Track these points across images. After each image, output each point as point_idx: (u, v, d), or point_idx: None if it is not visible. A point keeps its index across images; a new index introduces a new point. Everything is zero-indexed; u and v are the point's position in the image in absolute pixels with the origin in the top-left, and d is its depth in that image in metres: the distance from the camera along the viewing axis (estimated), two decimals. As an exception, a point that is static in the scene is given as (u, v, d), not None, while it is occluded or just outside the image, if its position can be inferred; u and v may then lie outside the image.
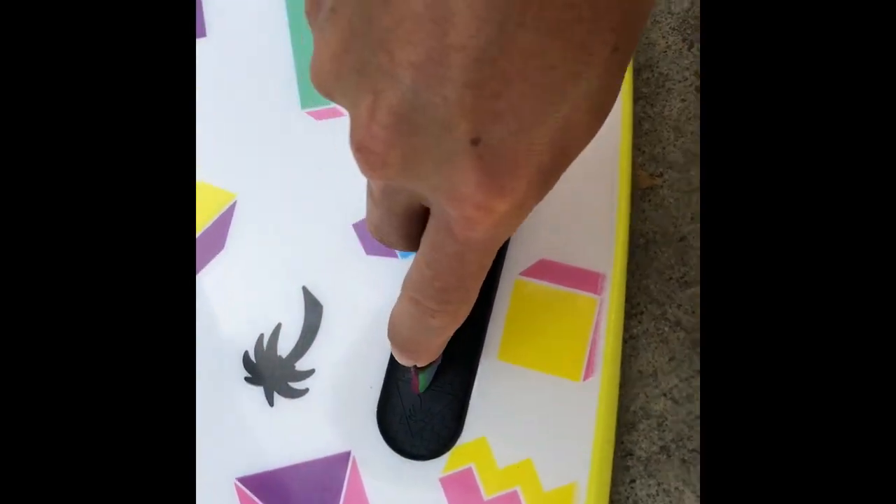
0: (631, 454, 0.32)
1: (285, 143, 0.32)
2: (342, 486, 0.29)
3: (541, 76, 0.16)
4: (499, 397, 0.30)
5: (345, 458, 0.30)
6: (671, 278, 0.33)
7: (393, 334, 0.24)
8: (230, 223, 0.31)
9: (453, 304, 0.22)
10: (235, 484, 0.29)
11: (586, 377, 0.30)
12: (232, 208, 0.32)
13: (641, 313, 0.33)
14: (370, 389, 0.30)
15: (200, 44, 0.33)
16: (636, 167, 0.34)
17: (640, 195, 0.34)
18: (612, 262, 0.31)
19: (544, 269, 0.31)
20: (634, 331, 0.33)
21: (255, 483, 0.29)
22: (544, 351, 0.30)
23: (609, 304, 0.31)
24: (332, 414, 0.30)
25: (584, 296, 0.31)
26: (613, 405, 0.31)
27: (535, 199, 0.19)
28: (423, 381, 0.29)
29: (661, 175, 0.34)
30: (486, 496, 0.29)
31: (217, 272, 0.31)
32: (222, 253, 0.31)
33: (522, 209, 0.19)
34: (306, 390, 0.30)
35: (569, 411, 0.30)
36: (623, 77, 0.19)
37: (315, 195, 0.32)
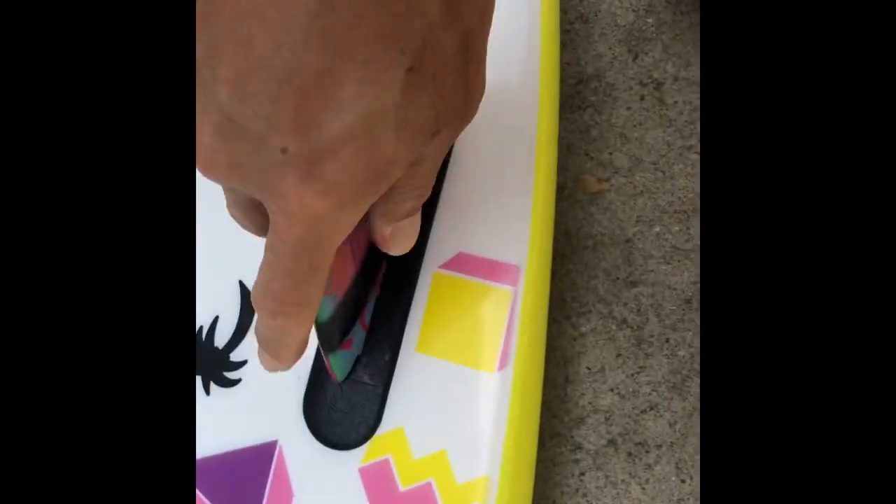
0: (580, 447, 0.33)
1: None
2: (268, 475, 0.30)
3: (333, 92, 0.18)
4: (417, 388, 0.30)
5: (272, 447, 0.30)
6: (618, 278, 0.35)
7: (256, 336, 0.25)
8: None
9: (291, 305, 0.22)
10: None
11: (500, 368, 0.30)
12: None
13: (589, 312, 0.35)
14: (298, 380, 0.31)
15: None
16: (584, 173, 0.36)
17: (589, 199, 0.35)
18: (527, 255, 0.31)
19: (462, 262, 0.31)
20: (583, 329, 0.34)
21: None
22: (461, 342, 0.30)
23: (524, 296, 0.31)
24: (261, 403, 0.31)
25: (499, 288, 0.31)
26: (529, 397, 0.30)
27: (355, 203, 0.20)
28: (338, 370, 0.29)
29: (609, 180, 0.36)
30: (401, 488, 0.29)
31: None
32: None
33: (343, 211, 0.20)
34: (239, 380, 0.31)
35: (483, 403, 0.30)
36: (447, 96, 0.20)
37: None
